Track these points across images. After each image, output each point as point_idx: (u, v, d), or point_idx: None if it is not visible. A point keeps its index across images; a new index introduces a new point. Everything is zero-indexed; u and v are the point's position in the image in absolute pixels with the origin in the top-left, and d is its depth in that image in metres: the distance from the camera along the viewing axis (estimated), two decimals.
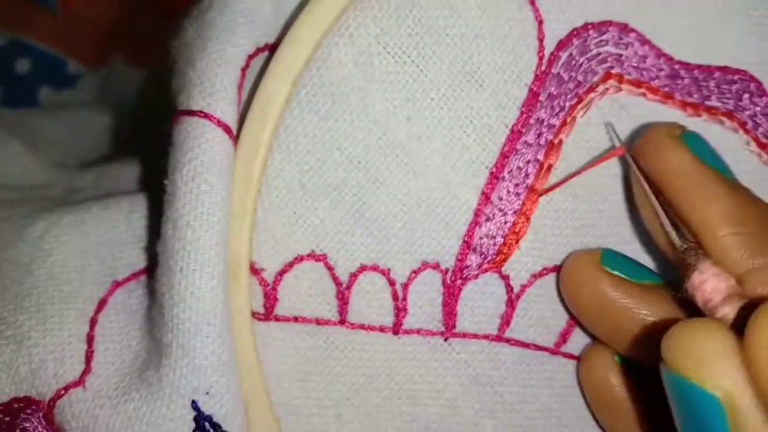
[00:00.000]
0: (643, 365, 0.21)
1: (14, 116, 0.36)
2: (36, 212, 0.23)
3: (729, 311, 0.18)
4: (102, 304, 0.21)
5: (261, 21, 0.21)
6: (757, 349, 0.16)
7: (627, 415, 0.21)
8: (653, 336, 0.19)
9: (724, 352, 0.16)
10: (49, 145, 0.32)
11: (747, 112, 0.23)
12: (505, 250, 0.22)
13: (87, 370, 0.20)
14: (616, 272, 0.21)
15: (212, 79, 0.20)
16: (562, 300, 0.22)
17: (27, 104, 0.42)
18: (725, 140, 0.22)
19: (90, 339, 0.21)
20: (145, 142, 0.31)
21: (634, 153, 0.21)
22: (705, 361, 0.16)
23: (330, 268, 0.21)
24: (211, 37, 0.20)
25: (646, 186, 0.20)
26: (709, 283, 0.18)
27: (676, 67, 0.23)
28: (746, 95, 0.23)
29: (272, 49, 0.21)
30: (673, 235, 0.20)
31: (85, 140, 0.35)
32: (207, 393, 0.19)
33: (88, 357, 0.20)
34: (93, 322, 0.21)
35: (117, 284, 0.21)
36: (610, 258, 0.21)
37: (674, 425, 0.18)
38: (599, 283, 0.21)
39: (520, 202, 0.22)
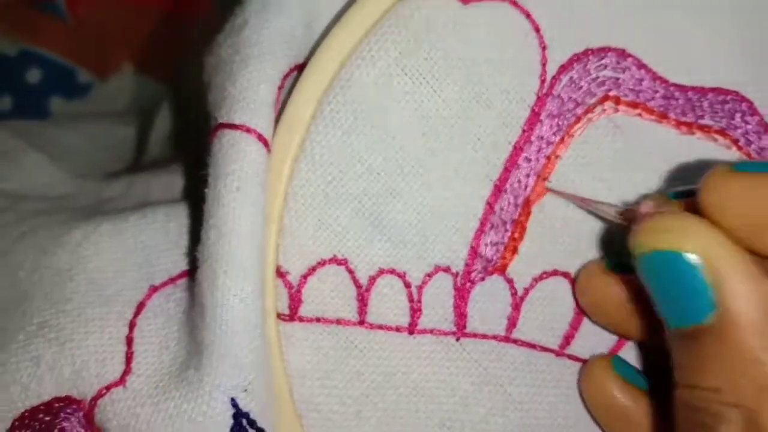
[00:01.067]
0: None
1: (29, 127, 0.36)
2: (71, 221, 0.24)
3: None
4: (140, 307, 0.22)
5: (295, 43, 0.22)
6: (714, 208, 0.18)
7: (631, 423, 0.23)
8: None
9: (688, 219, 0.19)
10: (69, 155, 0.33)
11: (739, 130, 0.25)
12: (507, 256, 0.24)
13: (127, 371, 0.21)
14: (622, 376, 0.23)
15: (254, 96, 0.21)
16: (563, 303, 0.24)
17: (38, 114, 0.42)
18: (719, 156, 0.24)
19: (129, 341, 0.22)
20: (168, 152, 0.33)
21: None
22: (676, 230, 0.18)
23: (351, 272, 0.23)
24: (251, 56, 0.22)
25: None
26: (650, 206, 0.21)
27: (671, 89, 0.25)
28: (738, 114, 0.25)
29: (301, 68, 0.23)
30: (609, 207, 0.22)
31: (102, 150, 0.35)
32: (245, 390, 0.20)
33: (128, 358, 0.21)
34: (132, 325, 0.22)
35: (154, 289, 0.23)
36: (618, 364, 0.24)
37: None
38: (609, 387, 0.23)
39: (519, 212, 0.24)
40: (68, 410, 0.21)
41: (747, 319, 0.18)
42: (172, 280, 0.23)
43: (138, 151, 0.38)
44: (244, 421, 0.21)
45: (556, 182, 0.24)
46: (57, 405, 0.21)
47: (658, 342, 0.21)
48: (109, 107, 0.44)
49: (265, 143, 0.21)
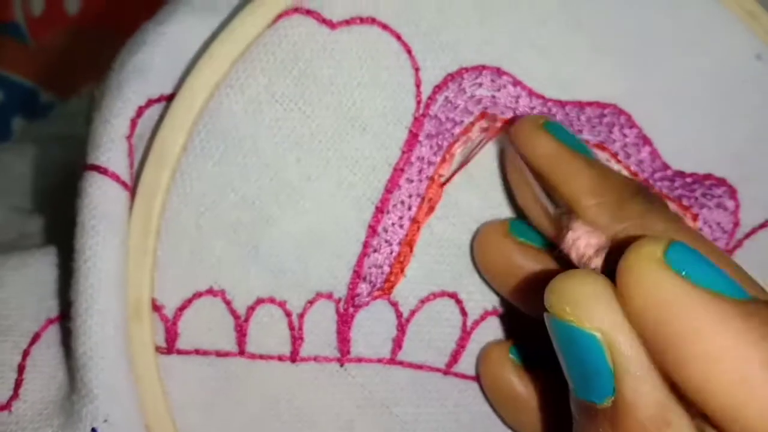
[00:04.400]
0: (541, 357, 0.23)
1: None
2: None
3: (601, 262, 0.19)
4: (35, 338, 0.23)
5: (154, 74, 0.22)
6: (629, 288, 0.17)
7: (527, 407, 0.23)
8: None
9: (598, 294, 0.17)
10: (13, 184, 0.34)
11: (618, 144, 0.25)
12: (392, 278, 0.24)
13: (14, 396, 0.22)
14: (522, 239, 0.23)
15: (101, 133, 0.21)
16: (449, 323, 0.24)
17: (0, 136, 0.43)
18: None
19: (21, 368, 0.23)
20: None
21: (511, 139, 0.23)
22: (581, 304, 0.17)
23: (228, 302, 0.23)
24: (106, 95, 0.22)
25: (522, 164, 0.23)
26: (581, 240, 0.20)
27: (549, 104, 0.25)
28: (616, 128, 0.25)
29: (169, 99, 0.23)
30: (547, 203, 0.22)
31: (46, 177, 0.36)
32: (105, 421, 0.21)
33: (17, 384, 0.22)
34: (25, 354, 0.23)
35: (50, 321, 0.23)
36: (517, 227, 0.23)
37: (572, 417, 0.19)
38: (508, 250, 0.23)
39: (404, 233, 0.24)
40: None
41: (643, 414, 0.17)
42: (66, 314, 0.23)
43: (73, 176, 0.38)
44: None
45: (444, 202, 0.24)
46: None
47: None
48: (70, 128, 0.44)
49: (114, 177, 0.21)
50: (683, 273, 0.16)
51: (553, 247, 0.22)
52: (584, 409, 0.18)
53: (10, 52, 0.46)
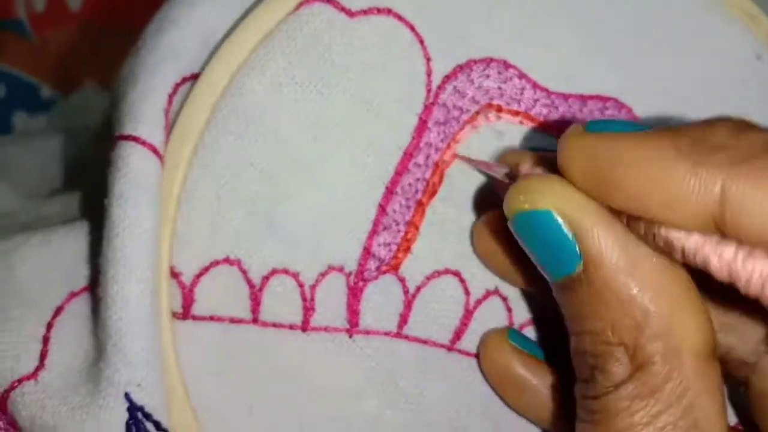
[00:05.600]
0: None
1: None
2: (6, 234, 0.26)
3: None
4: (59, 311, 0.24)
5: (186, 55, 0.24)
6: (567, 158, 0.20)
7: (529, 389, 0.25)
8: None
9: (548, 180, 0.20)
10: (21, 173, 0.34)
11: None
12: (399, 255, 0.25)
13: (40, 366, 0.23)
14: (517, 346, 0.25)
15: (139, 106, 0.22)
16: (453, 301, 0.25)
17: (1, 129, 0.43)
18: None
19: (46, 340, 0.23)
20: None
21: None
22: (533, 190, 0.20)
23: (244, 272, 0.24)
24: (141, 72, 0.23)
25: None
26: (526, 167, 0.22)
27: (552, 97, 0.26)
28: None
29: (196, 78, 0.24)
30: (499, 171, 0.24)
31: (53, 167, 0.37)
32: (138, 385, 0.21)
33: (43, 355, 0.23)
34: (49, 326, 0.23)
35: (72, 294, 0.24)
36: (514, 335, 0.25)
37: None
38: (505, 357, 0.25)
39: (411, 214, 0.25)
40: None
41: (610, 261, 0.19)
42: (89, 287, 0.24)
43: (81, 167, 0.39)
44: (140, 414, 0.22)
45: (445, 186, 0.25)
46: None
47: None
48: (71, 122, 0.45)
49: (152, 148, 0.22)
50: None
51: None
52: (564, 289, 0.20)
53: (12, 48, 0.46)
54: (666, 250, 0.19)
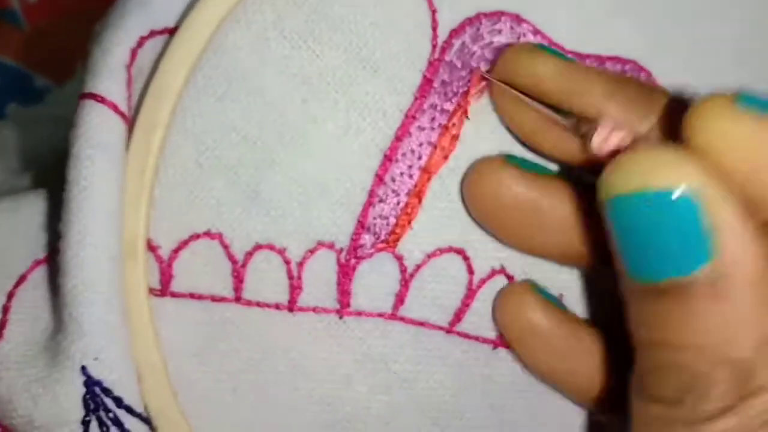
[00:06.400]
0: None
1: None
2: None
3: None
4: (21, 279, 0.22)
5: (156, 6, 0.21)
6: (714, 143, 0.16)
7: (554, 349, 0.22)
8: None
9: (686, 154, 0.16)
10: (11, 153, 0.33)
11: None
12: (398, 231, 0.23)
13: None
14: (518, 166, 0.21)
15: (99, 62, 0.20)
16: (455, 280, 0.23)
17: None
18: None
19: (6, 309, 0.22)
20: None
21: (497, 74, 0.22)
22: (671, 164, 0.16)
23: (225, 246, 0.22)
24: (108, 26, 0.21)
25: (517, 93, 0.21)
26: (613, 136, 0.19)
27: (568, 56, 0.23)
28: None
29: (173, 32, 0.22)
30: (559, 118, 0.20)
31: (44, 150, 0.35)
32: (96, 359, 0.20)
33: (2, 325, 0.22)
34: (10, 295, 0.22)
35: (36, 262, 0.22)
36: (514, 158, 0.22)
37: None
38: (503, 179, 0.21)
39: (413, 183, 0.23)
40: None
41: (746, 272, 0.16)
42: (52, 254, 0.23)
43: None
44: (97, 389, 0.20)
45: (457, 154, 0.23)
46: None
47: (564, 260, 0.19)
48: (65, 112, 0.44)
49: (112, 106, 0.20)
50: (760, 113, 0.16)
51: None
52: (655, 293, 0.17)
53: (5, 38, 0.45)
54: None
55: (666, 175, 0.16)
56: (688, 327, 0.16)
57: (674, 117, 0.18)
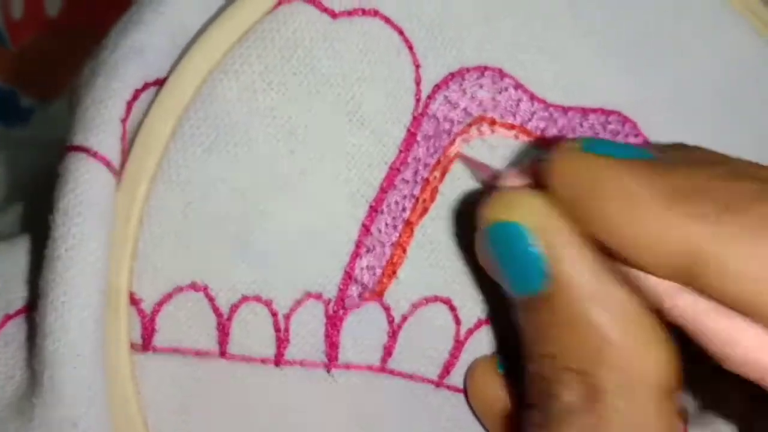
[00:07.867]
0: None
1: None
2: None
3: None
4: None
5: (153, 55, 0.21)
6: (556, 176, 0.19)
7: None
8: None
9: (526, 194, 0.20)
10: None
11: None
12: (384, 281, 0.23)
13: None
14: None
15: (93, 114, 0.20)
16: (443, 331, 0.23)
17: None
18: None
19: None
20: None
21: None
22: (511, 203, 0.19)
23: (211, 299, 0.21)
24: (100, 74, 0.21)
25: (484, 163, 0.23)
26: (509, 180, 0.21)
27: (550, 110, 0.24)
28: (620, 136, 0.25)
29: (164, 83, 0.22)
30: None
31: (26, 180, 0.34)
32: (74, 424, 0.19)
33: None
34: None
35: (8, 317, 0.21)
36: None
37: None
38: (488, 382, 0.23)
39: (397, 235, 0.23)
40: None
41: (577, 285, 0.18)
42: (26, 309, 0.22)
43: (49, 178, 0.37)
44: None
45: (437, 204, 0.23)
46: None
47: None
48: (50, 132, 0.43)
49: (104, 161, 0.20)
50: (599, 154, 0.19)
51: None
52: (524, 308, 0.20)
53: None
54: (636, 289, 0.18)
55: (507, 211, 0.19)
56: (541, 337, 0.19)
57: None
